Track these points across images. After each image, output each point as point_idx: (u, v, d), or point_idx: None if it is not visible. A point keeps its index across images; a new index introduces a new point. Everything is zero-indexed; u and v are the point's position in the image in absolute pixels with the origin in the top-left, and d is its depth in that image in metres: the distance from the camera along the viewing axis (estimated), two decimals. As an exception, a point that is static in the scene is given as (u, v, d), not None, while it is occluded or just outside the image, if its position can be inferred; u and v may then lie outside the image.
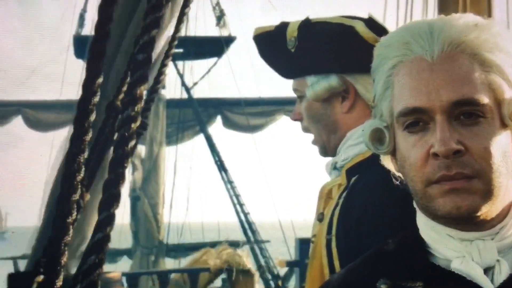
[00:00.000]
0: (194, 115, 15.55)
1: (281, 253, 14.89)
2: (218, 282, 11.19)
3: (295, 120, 2.21)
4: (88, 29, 14.74)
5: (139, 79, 1.40)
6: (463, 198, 1.21)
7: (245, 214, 14.16)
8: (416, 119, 1.25)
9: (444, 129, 1.21)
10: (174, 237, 15.63)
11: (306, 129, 2.19)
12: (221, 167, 14.51)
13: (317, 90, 2.09)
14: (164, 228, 14.57)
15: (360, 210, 1.92)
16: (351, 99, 2.09)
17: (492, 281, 1.24)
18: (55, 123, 15.10)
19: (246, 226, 13.98)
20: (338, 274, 1.45)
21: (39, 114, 15.42)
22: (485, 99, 1.23)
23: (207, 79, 16.12)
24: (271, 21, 2.27)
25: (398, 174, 1.35)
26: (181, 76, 15.54)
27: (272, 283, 12.86)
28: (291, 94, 2.26)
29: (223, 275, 10.60)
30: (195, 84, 16.07)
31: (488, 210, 1.23)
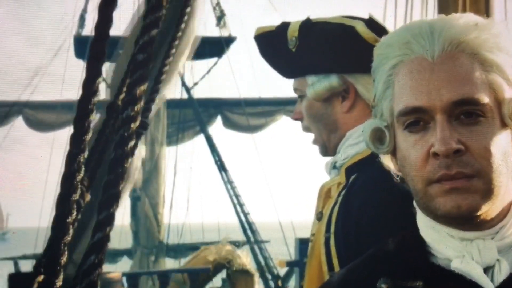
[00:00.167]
0: (194, 115, 15.56)
1: (281, 253, 14.89)
2: (218, 282, 11.19)
3: (296, 119, 2.22)
4: (89, 30, 14.76)
5: (138, 79, 1.40)
6: (463, 197, 1.21)
7: (245, 214, 14.17)
8: (417, 119, 1.25)
9: (444, 129, 1.21)
10: (174, 237, 15.64)
11: (306, 129, 2.19)
12: (221, 167, 14.51)
13: (318, 89, 2.10)
14: (164, 228, 14.58)
15: (359, 209, 1.93)
16: (351, 99, 2.10)
17: (492, 280, 1.24)
18: (55, 123, 15.10)
19: (246, 226, 13.98)
20: (338, 274, 1.45)
21: (39, 115, 15.42)
22: (485, 99, 1.23)
23: (207, 79, 16.13)
24: (272, 21, 2.27)
25: (398, 173, 1.35)
26: (182, 76, 15.54)
27: (272, 283, 12.86)
28: (291, 94, 2.26)
29: (223, 275, 10.60)
30: (195, 84, 16.08)
31: (488, 210, 1.23)
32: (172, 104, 14.70)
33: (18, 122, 15.45)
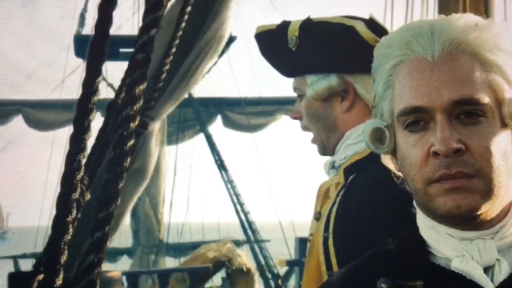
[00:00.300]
0: (194, 114, 15.54)
1: (281, 252, 14.90)
2: (218, 281, 11.19)
3: (295, 118, 2.22)
4: (89, 29, 14.74)
5: (138, 79, 1.41)
6: (463, 197, 1.21)
7: (245, 214, 14.16)
8: (417, 119, 1.25)
9: (444, 128, 1.22)
10: (174, 236, 15.64)
11: (305, 128, 2.20)
12: (222, 166, 14.50)
13: (317, 89, 2.10)
14: (164, 228, 14.57)
15: (357, 209, 1.93)
16: (350, 99, 2.10)
17: (492, 280, 1.24)
18: (55, 122, 15.10)
19: (246, 225, 13.97)
20: (338, 274, 1.45)
21: (39, 114, 15.41)
22: (485, 99, 1.23)
23: (207, 78, 16.11)
24: (272, 21, 2.27)
25: (398, 173, 1.35)
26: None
27: (272, 282, 12.86)
28: (292, 93, 2.27)
29: (223, 274, 10.61)
30: (195, 83, 16.02)
31: (488, 209, 1.23)
32: (172, 103, 14.66)
33: (18, 121, 15.44)
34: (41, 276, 1.53)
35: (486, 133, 1.23)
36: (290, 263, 10.98)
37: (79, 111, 1.43)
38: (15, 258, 12.67)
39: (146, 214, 14.14)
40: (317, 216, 2.12)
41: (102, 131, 2.09)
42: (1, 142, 16.17)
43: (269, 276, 12.92)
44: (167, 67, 2.24)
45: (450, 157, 1.21)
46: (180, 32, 2.31)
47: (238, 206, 14.15)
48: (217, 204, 19.15)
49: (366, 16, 2.11)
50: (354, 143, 2.08)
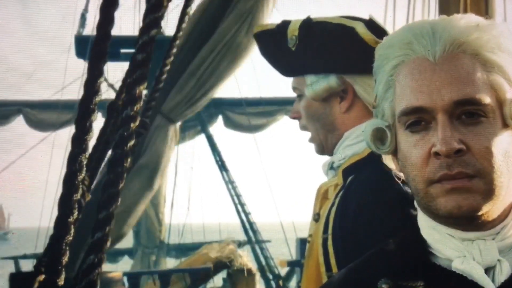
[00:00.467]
0: (195, 115, 15.52)
1: (282, 253, 14.89)
2: (219, 282, 11.18)
3: (294, 118, 2.22)
4: (90, 29, 14.74)
5: (138, 79, 1.41)
6: (464, 197, 1.21)
7: (246, 214, 14.15)
8: (418, 119, 1.25)
9: (445, 129, 1.22)
10: (175, 237, 15.63)
11: (304, 128, 2.20)
12: (222, 167, 14.49)
13: (316, 89, 2.11)
14: (165, 228, 14.56)
15: (356, 210, 1.93)
16: (350, 99, 2.10)
17: (493, 281, 1.24)
18: (56, 123, 15.09)
19: (247, 226, 13.96)
20: (338, 274, 1.45)
21: (40, 114, 15.41)
22: (486, 99, 1.23)
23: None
24: (273, 20, 2.27)
25: (399, 173, 1.35)
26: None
27: (273, 283, 12.85)
28: (292, 94, 2.27)
29: (224, 275, 10.60)
30: (196, 84, 16.02)
31: (489, 210, 1.23)
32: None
33: (19, 122, 15.44)
34: (42, 277, 1.53)
35: (487, 134, 1.23)
36: (291, 264, 10.97)
37: (81, 111, 1.43)
38: (16, 259, 12.67)
39: (147, 214, 14.13)
40: (316, 217, 2.12)
41: (103, 131, 2.08)
42: (1, 143, 16.17)
43: (270, 276, 12.91)
44: (167, 67, 2.24)
45: (451, 158, 1.21)
46: (181, 33, 2.31)
47: (239, 207, 14.14)
48: (218, 204, 19.15)
49: (366, 17, 2.11)
50: (353, 144, 2.08)
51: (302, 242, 9.46)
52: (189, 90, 6.61)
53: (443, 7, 4.22)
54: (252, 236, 13.87)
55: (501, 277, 1.25)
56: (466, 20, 1.28)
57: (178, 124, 7.03)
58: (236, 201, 14.21)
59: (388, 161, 1.37)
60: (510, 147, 1.25)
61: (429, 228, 1.31)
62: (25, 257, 12.91)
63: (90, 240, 1.37)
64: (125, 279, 8.64)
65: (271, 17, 6.56)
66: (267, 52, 2.25)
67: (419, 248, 1.31)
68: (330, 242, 2.02)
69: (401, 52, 1.29)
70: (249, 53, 6.51)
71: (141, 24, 1.48)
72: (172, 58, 2.23)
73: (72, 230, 1.43)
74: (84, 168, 1.44)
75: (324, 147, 2.16)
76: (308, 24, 2.11)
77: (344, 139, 2.11)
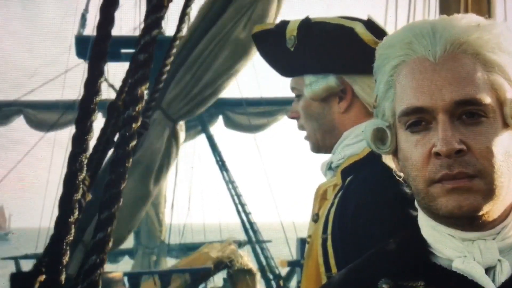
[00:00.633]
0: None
1: (282, 253, 14.89)
2: (219, 282, 11.18)
3: (292, 118, 2.22)
4: (90, 29, 14.74)
5: (140, 79, 1.41)
6: (464, 197, 1.21)
7: (247, 214, 14.15)
8: (418, 119, 1.25)
9: (446, 129, 1.22)
10: (176, 237, 15.64)
11: (302, 127, 2.20)
12: (223, 167, 14.49)
13: (315, 89, 2.11)
14: (165, 228, 14.57)
15: (355, 210, 1.93)
16: (348, 99, 2.10)
17: (493, 281, 1.24)
18: (57, 123, 15.09)
19: (248, 226, 13.96)
20: (339, 274, 1.45)
21: (41, 114, 15.41)
22: (487, 99, 1.23)
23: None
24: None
25: (399, 173, 1.35)
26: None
27: (273, 283, 12.85)
28: (293, 94, 2.27)
29: (224, 275, 10.60)
30: (196, 84, 15.99)
31: (489, 210, 1.23)
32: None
33: (19, 122, 15.44)
34: (43, 277, 1.53)
35: (487, 134, 1.23)
36: (292, 264, 10.97)
37: (81, 111, 1.43)
38: (16, 259, 12.68)
39: (148, 214, 14.14)
40: (315, 218, 2.12)
41: (103, 131, 2.09)
42: (2, 143, 16.17)
43: (271, 276, 12.92)
44: (167, 67, 2.24)
45: (452, 158, 1.21)
46: (181, 33, 2.31)
47: (239, 207, 14.14)
48: (219, 204, 19.16)
49: (365, 17, 2.11)
50: (352, 144, 2.09)
51: (302, 242, 9.45)
52: (185, 85, 6.53)
53: (443, 7, 4.22)
54: (252, 236, 13.88)
55: (501, 277, 1.25)
56: (467, 20, 1.28)
57: (181, 125, 6.93)
58: (237, 201, 14.22)
59: (388, 161, 1.37)
60: (510, 147, 1.25)
61: (429, 228, 1.31)
62: (26, 257, 12.92)
63: (92, 241, 1.37)
64: (125, 279, 8.64)
65: (277, 14, 6.44)
66: (265, 53, 2.25)
67: (420, 248, 1.31)
68: (329, 243, 2.02)
69: (401, 52, 1.29)
70: (250, 50, 6.43)
71: (142, 24, 1.48)
72: (172, 58, 2.23)
73: (73, 230, 1.43)
74: (85, 168, 1.44)
75: (320, 146, 2.17)
76: (306, 24, 2.11)
77: (342, 139, 2.11)
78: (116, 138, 1.53)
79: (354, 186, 2.01)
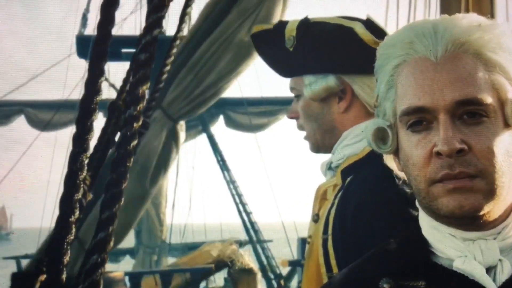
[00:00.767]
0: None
1: (283, 253, 14.89)
2: (220, 281, 11.18)
3: (291, 118, 2.22)
4: (91, 29, 14.75)
5: (141, 79, 1.41)
6: (466, 197, 1.21)
7: (248, 214, 14.15)
8: (420, 118, 1.25)
9: (447, 128, 1.21)
10: (177, 237, 15.65)
11: (301, 127, 2.20)
12: (224, 166, 14.48)
13: (315, 89, 2.11)
14: (166, 228, 14.57)
15: (355, 210, 1.93)
16: (348, 99, 2.10)
17: (494, 280, 1.24)
18: (58, 123, 15.09)
19: (249, 225, 13.96)
20: (340, 274, 1.45)
21: (41, 114, 15.41)
22: (488, 99, 1.23)
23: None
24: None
25: (400, 173, 1.35)
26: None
27: (274, 282, 12.85)
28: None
29: (225, 275, 10.60)
30: (197, 84, 15.99)
31: (490, 210, 1.23)
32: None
33: (20, 122, 15.44)
34: (43, 276, 1.53)
35: (489, 134, 1.23)
36: (293, 263, 10.96)
37: (82, 111, 1.43)
38: (17, 259, 12.68)
39: (148, 214, 14.15)
40: (315, 218, 2.12)
41: (104, 131, 2.09)
42: (3, 143, 16.18)
43: (272, 276, 12.92)
44: (167, 67, 2.24)
45: (453, 157, 1.21)
46: (181, 33, 2.31)
47: (240, 206, 14.14)
48: (220, 204, 19.17)
49: (365, 17, 2.10)
50: (352, 143, 2.09)
51: (303, 242, 9.45)
52: (186, 85, 6.50)
53: (444, 6, 4.22)
54: (253, 236, 13.87)
55: (502, 277, 1.25)
56: (468, 19, 1.28)
57: (181, 124, 6.90)
58: (238, 201, 14.21)
59: (389, 160, 1.37)
60: (511, 147, 1.25)
61: (430, 228, 1.31)
62: (26, 257, 12.92)
63: (93, 240, 1.37)
64: (126, 279, 8.64)
65: (282, 17, 6.40)
66: (264, 53, 2.24)
67: (420, 248, 1.31)
68: (330, 243, 2.02)
69: (402, 51, 1.28)
70: (253, 52, 6.41)
71: (141, 24, 1.48)
72: (172, 58, 2.23)
73: (73, 230, 1.43)
74: (85, 168, 1.44)
75: (320, 146, 2.16)
76: (306, 24, 2.10)
77: (342, 139, 2.11)
78: (117, 137, 1.53)
79: (354, 186, 2.01)
